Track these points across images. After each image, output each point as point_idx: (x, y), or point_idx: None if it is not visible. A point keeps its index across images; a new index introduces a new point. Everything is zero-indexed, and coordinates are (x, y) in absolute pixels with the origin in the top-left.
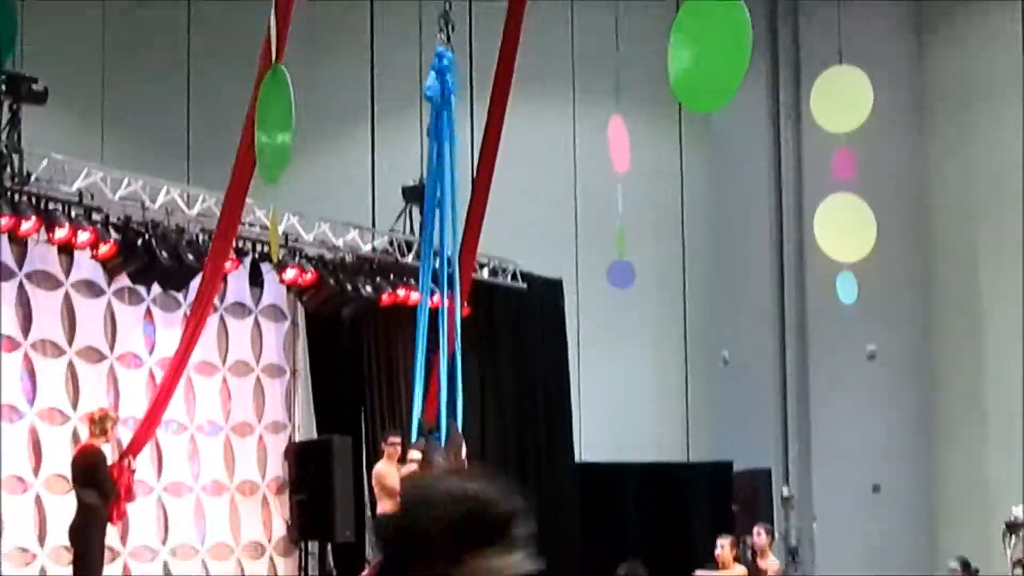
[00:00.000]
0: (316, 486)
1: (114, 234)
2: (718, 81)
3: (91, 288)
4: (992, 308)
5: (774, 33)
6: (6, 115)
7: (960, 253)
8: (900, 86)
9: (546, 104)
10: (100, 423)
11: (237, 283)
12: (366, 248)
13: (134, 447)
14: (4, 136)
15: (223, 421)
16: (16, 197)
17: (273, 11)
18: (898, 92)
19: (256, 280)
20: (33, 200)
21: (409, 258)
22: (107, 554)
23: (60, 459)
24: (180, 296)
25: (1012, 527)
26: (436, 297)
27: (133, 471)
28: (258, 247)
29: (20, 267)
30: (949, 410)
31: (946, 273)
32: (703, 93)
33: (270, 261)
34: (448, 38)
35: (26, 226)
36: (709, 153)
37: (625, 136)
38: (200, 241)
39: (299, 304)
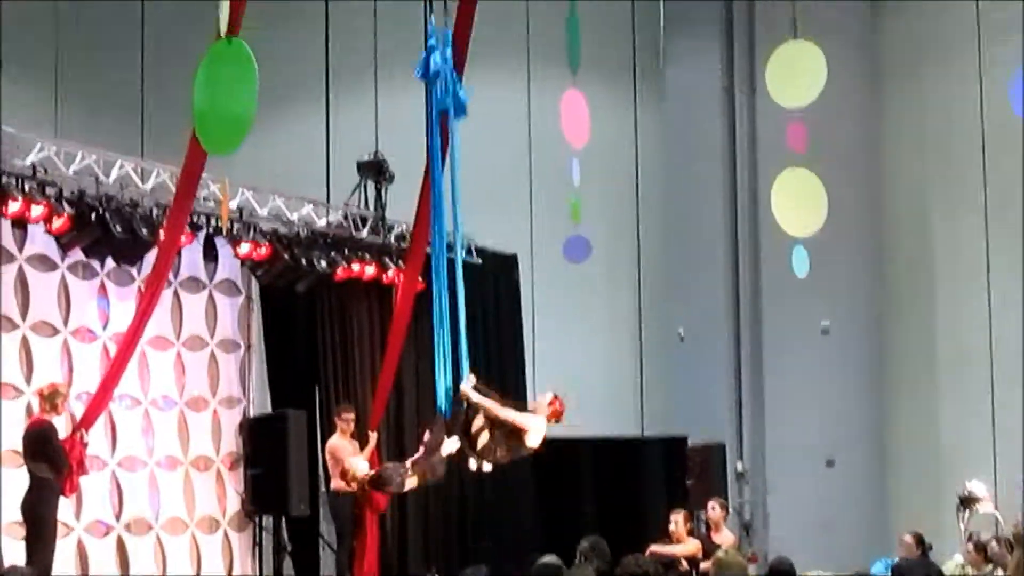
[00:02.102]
0: (270, 460)
1: (68, 208)
2: None
3: (45, 262)
4: (946, 282)
5: (729, 5)
6: None
7: (914, 226)
8: (854, 56)
9: (499, 75)
10: (50, 398)
11: (191, 257)
12: (321, 222)
13: (87, 420)
14: None
15: (177, 396)
16: None
17: None
18: (853, 63)
19: (210, 254)
20: None
21: (364, 232)
22: (61, 529)
23: (14, 434)
24: (134, 270)
25: (965, 501)
26: (390, 273)
27: (86, 444)
28: (212, 221)
29: None
30: (903, 385)
31: (900, 247)
32: None
33: (224, 235)
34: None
35: None
36: (663, 126)
37: (585, 110)
38: (154, 215)
39: (253, 278)
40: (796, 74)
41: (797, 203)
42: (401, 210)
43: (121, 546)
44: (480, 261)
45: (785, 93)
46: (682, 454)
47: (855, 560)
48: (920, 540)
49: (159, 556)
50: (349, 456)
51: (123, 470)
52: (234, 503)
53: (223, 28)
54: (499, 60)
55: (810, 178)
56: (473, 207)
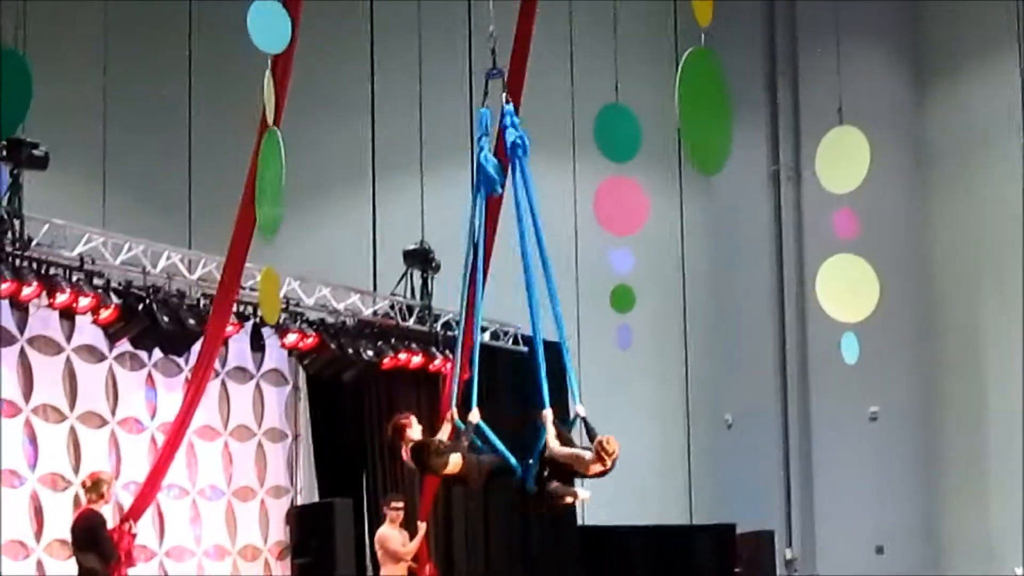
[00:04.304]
0: (318, 550)
1: (115, 299)
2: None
3: (92, 353)
4: (995, 368)
5: (773, 92)
6: (7, 180)
7: (963, 311)
8: (901, 142)
9: (545, 163)
10: (95, 488)
11: (238, 347)
12: (367, 312)
13: (135, 511)
14: (5, 201)
15: (225, 486)
16: (17, 262)
17: (269, 74)
18: (899, 148)
19: (257, 344)
20: (34, 265)
21: (410, 321)
22: None
23: (62, 524)
24: (181, 361)
25: None
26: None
27: (134, 535)
28: (259, 311)
29: (22, 332)
30: (952, 471)
31: (949, 332)
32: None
33: (271, 325)
34: (504, 87)
35: (27, 291)
36: (710, 213)
37: (641, 197)
38: (201, 305)
39: (300, 368)
40: (843, 160)
41: (845, 289)
42: (447, 299)
43: None
44: (527, 349)
45: (833, 179)
46: (731, 542)
47: None
48: None
49: None
50: (398, 545)
51: (171, 560)
52: None
53: (269, 118)
54: (544, 147)
55: (859, 263)
56: (520, 296)
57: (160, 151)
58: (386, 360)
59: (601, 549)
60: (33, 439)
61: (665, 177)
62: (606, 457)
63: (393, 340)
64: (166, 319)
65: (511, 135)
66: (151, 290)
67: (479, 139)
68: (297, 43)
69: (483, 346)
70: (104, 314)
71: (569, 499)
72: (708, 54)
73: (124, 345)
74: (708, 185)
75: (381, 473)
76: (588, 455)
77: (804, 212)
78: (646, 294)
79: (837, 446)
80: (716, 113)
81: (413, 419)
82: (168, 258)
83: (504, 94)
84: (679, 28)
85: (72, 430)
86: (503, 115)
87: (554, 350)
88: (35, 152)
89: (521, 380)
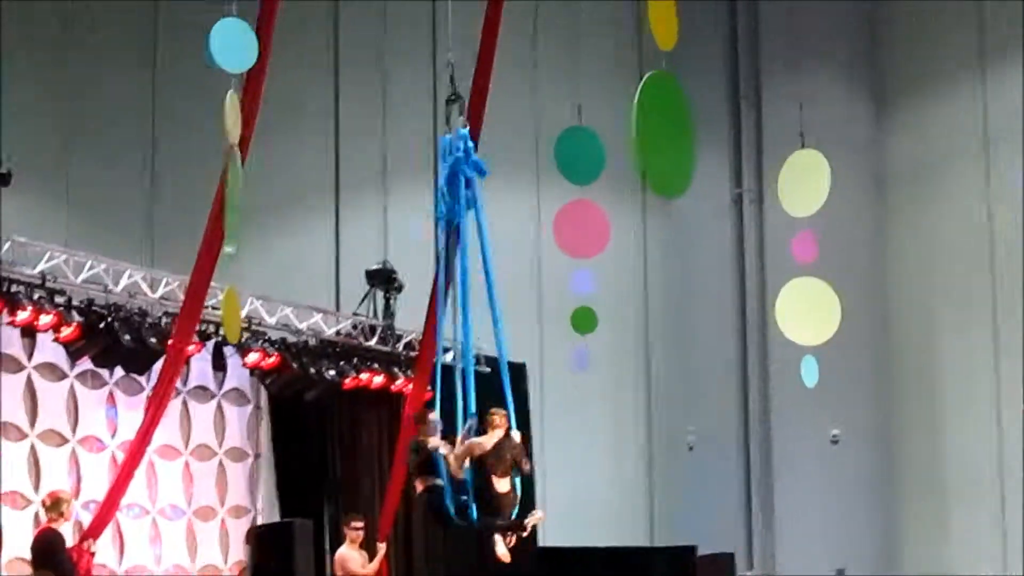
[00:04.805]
0: (278, 570)
1: (77, 316)
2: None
3: (53, 371)
4: (955, 390)
5: (735, 116)
6: None
7: (922, 334)
8: (861, 166)
9: (510, 185)
10: (55, 506)
11: (200, 366)
12: (330, 331)
13: (94, 530)
14: None
15: (185, 505)
16: None
17: (231, 94)
18: (860, 171)
19: (219, 363)
20: None
21: (372, 341)
22: None
23: (22, 542)
24: (143, 379)
25: None
26: (399, 383)
27: (93, 554)
28: (221, 330)
29: None
30: (912, 494)
31: (908, 356)
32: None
33: (233, 344)
34: (463, 112)
35: None
36: (672, 236)
37: (602, 219)
38: (162, 324)
39: (262, 387)
40: (804, 183)
41: (805, 312)
42: (409, 319)
43: None
44: (489, 370)
45: (794, 202)
46: (691, 564)
47: None
48: None
49: None
50: (358, 566)
51: None
52: None
53: (231, 138)
54: (507, 170)
55: (820, 286)
56: (481, 317)
57: (122, 170)
58: (348, 380)
59: (560, 571)
60: None
61: (628, 199)
62: (497, 424)
63: (355, 360)
64: (127, 337)
65: (464, 162)
66: (113, 308)
67: (443, 166)
68: (267, 68)
69: (444, 367)
70: (65, 332)
71: (529, 522)
72: (668, 77)
73: (85, 363)
74: (670, 208)
75: (342, 493)
76: (479, 438)
77: (766, 235)
78: (608, 316)
79: (798, 469)
80: (678, 135)
81: (432, 417)
82: (130, 276)
83: (462, 118)
84: (643, 52)
85: (32, 448)
86: (458, 139)
87: (515, 371)
88: None
89: (481, 401)
